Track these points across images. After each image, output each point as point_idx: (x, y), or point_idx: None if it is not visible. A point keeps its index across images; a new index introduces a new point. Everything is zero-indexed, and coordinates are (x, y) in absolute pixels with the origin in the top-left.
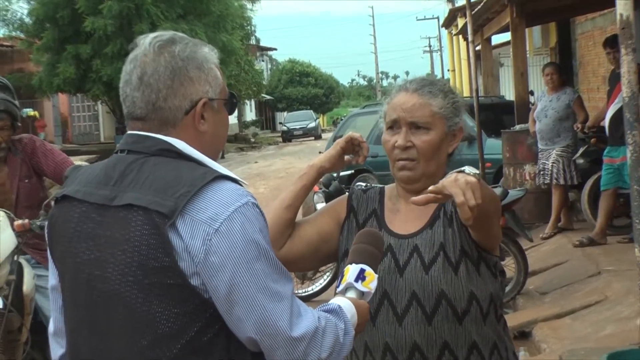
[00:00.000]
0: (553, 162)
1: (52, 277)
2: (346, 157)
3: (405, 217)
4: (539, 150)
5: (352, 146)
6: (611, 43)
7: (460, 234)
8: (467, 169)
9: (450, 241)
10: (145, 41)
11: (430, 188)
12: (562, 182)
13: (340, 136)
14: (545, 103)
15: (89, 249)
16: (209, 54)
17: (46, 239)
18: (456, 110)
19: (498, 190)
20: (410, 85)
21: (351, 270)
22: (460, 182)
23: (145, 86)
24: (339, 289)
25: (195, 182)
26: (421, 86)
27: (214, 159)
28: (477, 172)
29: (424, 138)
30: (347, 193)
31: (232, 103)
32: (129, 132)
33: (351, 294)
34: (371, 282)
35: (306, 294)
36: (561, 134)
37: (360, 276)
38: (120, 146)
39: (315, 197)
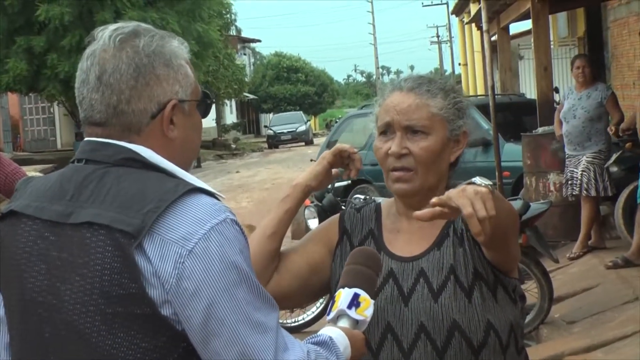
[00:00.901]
0: (583, 170)
1: None
2: (334, 171)
3: (408, 237)
4: (567, 157)
5: (342, 159)
6: None
7: (472, 254)
8: (478, 179)
9: (462, 263)
10: (104, 34)
11: (434, 200)
12: (592, 193)
13: (335, 141)
14: (573, 101)
15: (41, 274)
16: (179, 48)
17: None
18: (459, 111)
19: (518, 203)
20: (405, 84)
21: (343, 295)
22: (469, 192)
23: (104, 87)
24: (329, 317)
25: (165, 196)
26: (418, 84)
27: (186, 169)
28: (490, 182)
29: (422, 144)
30: (340, 212)
31: (205, 104)
32: (87, 138)
33: (343, 322)
34: (366, 308)
35: (296, 324)
36: (592, 137)
37: (354, 302)
38: (77, 155)
39: (307, 212)
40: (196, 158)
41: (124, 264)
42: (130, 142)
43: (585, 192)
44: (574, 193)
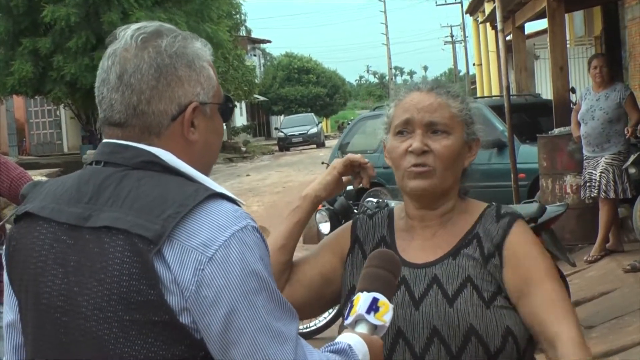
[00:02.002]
0: (601, 172)
1: (9, 312)
2: (344, 178)
3: (421, 243)
4: (585, 158)
5: (352, 168)
6: None
7: (496, 278)
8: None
9: (482, 279)
10: (127, 33)
11: None
12: (612, 195)
13: (348, 144)
14: (591, 102)
15: (58, 278)
16: (202, 49)
17: (4, 264)
18: (474, 117)
19: (534, 206)
20: (424, 85)
21: (362, 300)
22: None
23: (125, 86)
24: (347, 322)
25: (186, 202)
26: (437, 86)
27: (206, 173)
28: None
29: (444, 142)
30: (352, 219)
31: (227, 108)
32: (106, 140)
33: (362, 328)
34: (385, 313)
35: (308, 330)
36: (611, 138)
37: (373, 307)
38: (95, 157)
39: (318, 215)
40: (215, 162)
41: (143, 270)
42: (149, 144)
43: (604, 194)
44: (592, 195)
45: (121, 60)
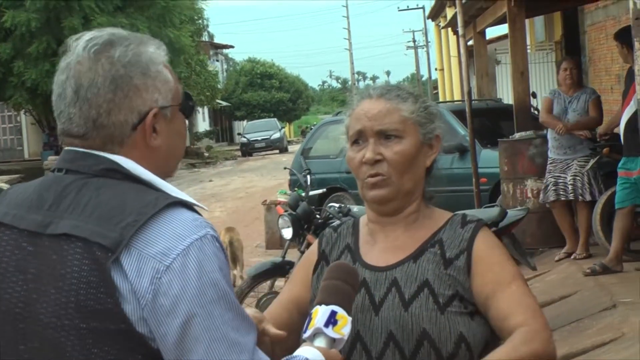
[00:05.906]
0: (575, 175)
1: None
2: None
3: (383, 246)
4: (550, 162)
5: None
6: (623, 36)
7: (457, 281)
8: None
9: (440, 282)
10: (79, 45)
11: None
12: (588, 198)
13: (310, 149)
14: (563, 104)
15: (18, 285)
16: (155, 53)
17: None
18: (430, 115)
19: (495, 210)
20: (374, 91)
21: (320, 313)
22: None
23: (82, 101)
24: (305, 335)
25: (145, 210)
26: (387, 91)
27: (170, 174)
28: None
29: (396, 148)
30: (314, 223)
31: (187, 106)
32: (67, 148)
33: (320, 341)
34: (344, 326)
35: None
36: (584, 140)
37: (331, 320)
38: (57, 164)
39: (281, 221)
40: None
41: (101, 279)
42: (112, 153)
43: (580, 197)
44: (561, 198)
45: (75, 74)
